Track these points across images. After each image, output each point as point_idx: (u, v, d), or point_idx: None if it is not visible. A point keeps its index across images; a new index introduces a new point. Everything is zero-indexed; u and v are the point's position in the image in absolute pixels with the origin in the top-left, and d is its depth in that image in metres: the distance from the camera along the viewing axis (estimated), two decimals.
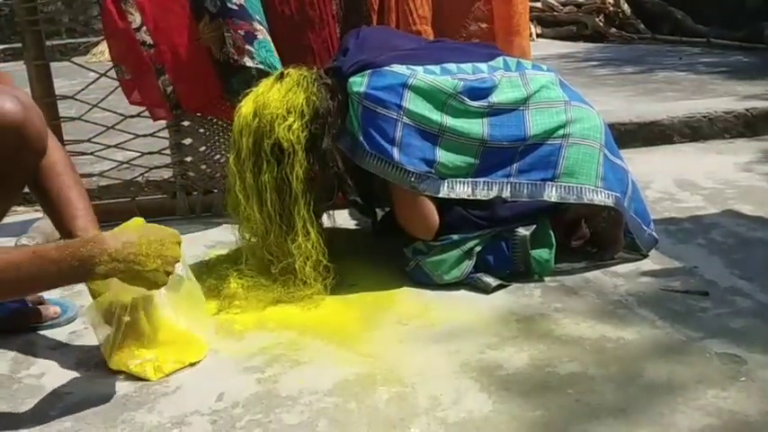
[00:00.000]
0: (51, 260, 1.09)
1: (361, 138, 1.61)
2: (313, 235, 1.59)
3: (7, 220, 2.29)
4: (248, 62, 2.00)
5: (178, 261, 1.23)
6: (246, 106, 1.60)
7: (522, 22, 2.27)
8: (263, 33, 2.03)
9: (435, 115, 1.63)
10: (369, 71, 1.62)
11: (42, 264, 1.09)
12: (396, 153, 1.60)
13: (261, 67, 2.00)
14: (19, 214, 2.34)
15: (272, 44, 2.05)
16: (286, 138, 1.55)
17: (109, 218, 2.16)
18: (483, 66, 1.74)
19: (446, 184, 1.65)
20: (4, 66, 5.93)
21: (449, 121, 1.64)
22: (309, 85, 1.60)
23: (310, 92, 1.59)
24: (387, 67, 1.63)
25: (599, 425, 1.14)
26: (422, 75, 1.63)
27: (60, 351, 1.42)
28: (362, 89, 1.60)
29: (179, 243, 1.23)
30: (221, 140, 2.22)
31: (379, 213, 1.97)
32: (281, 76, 1.63)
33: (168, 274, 1.21)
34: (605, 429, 1.13)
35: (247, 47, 2.01)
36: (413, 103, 1.61)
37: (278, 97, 1.58)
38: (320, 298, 1.61)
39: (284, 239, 1.59)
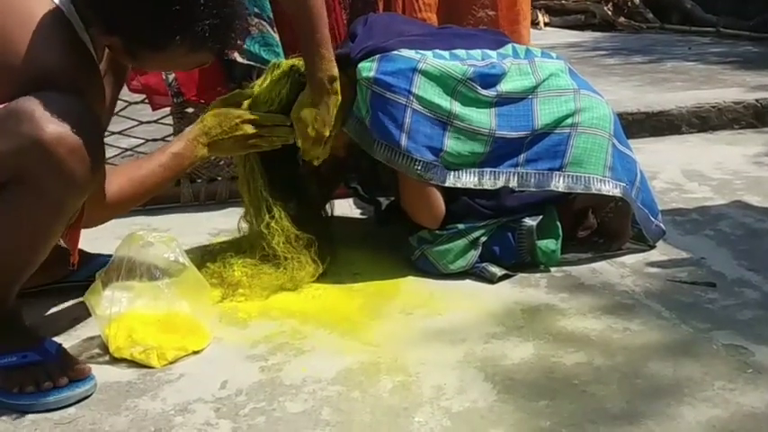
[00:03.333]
0: (181, 155, 1.46)
1: (369, 124, 1.60)
2: (276, 213, 1.61)
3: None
4: (238, 58, 2.04)
5: (246, 136, 1.53)
6: (245, 104, 1.63)
7: (523, 10, 2.25)
8: (258, 28, 2.04)
9: (445, 102, 1.61)
10: (378, 56, 1.61)
11: (177, 159, 1.46)
12: (403, 140, 1.59)
13: (252, 63, 2.04)
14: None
15: (272, 36, 2.05)
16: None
17: None
18: (492, 53, 1.72)
19: (452, 173, 1.63)
20: None
21: (458, 108, 1.62)
22: (296, 73, 1.61)
23: (294, 79, 1.60)
24: (396, 52, 1.61)
25: (604, 416, 1.13)
26: (431, 60, 1.61)
27: (63, 338, 1.41)
28: (372, 74, 1.59)
29: (243, 121, 1.53)
30: None
31: (383, 202, 1.96)
32: (274, 68, 1.65)
33: (248, 139, 1.54)
34: (610, 421, 1.12)
35: (239, 42, 2.03)
36: (422, 88, 1.59)
37: (266, 89, 1.61)
38: (323, 287, 1.60)
39: (259, 223, 1.64)
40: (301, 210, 1.69)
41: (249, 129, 1.54)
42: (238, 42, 2.03)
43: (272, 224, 1.61)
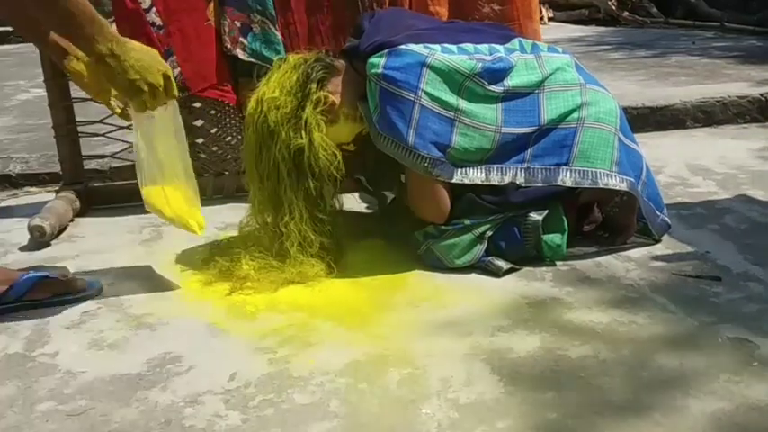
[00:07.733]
0: (93, 15, 1.34)
1: (377, 119, 1.61)
2: (297, 216, 1.61)
3: (21, 201, 2.33)
4: (240, 54, 2.07)
5: (156, 87, 1.44)
6: (252, 98, 1.65)
7: (534, 6, 2.25)
8: (261, 25, 2.07)
9: (452, 98, 1.61)
10: (386, 51, 1.61)
11: (88, 12, 1.34)
12: (410, 137, 1.59)
13: (253, 60, 2.06)
14: (32, 195, 2.35)
15: (274, 34, 2.06)
16: (273, 119, 1.59)
17: (120, 199, 2.17)
18: (500, 47, 1.72)
19: (459, 169, 1.63)
20: (14, 47, 5.93)
21: (465, 104, 1.62)
22: (303, 65, 1.63)
23: (302, 71, 1.61)
24: (404, 46, 1.62)
25: (610, 408, 1.14)
26: (440, 54, 1.62)
27: (74, 330, 1.43)
28: (380, 70, 1.59)
29: (165, 74, 1.44)
30: (232, 122, 2.22)
31: (389, 196, 1.96)
32: (280, 64, 1.66)
33: (142, 92, 1.42)
34: (616, 413, 1.13)
35: (241, 39, 2.06)
36: (430, 84, 1.59)
37: (274, 82, 1.62)
38: (330, 281, 1.61)
39: (277, 222, 1.63)
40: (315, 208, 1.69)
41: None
42: (240, 39, 2.02)
43: (291, 225, 1.60)
